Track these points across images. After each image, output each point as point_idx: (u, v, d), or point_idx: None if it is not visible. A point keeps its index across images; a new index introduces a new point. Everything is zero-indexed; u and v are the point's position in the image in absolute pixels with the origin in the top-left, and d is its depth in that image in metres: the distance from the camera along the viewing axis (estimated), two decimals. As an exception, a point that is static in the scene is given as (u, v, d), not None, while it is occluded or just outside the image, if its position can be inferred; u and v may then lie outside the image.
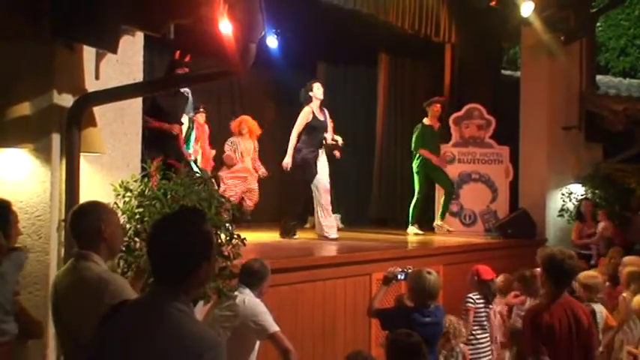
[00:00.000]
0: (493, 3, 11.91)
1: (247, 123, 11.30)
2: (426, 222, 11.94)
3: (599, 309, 6.80)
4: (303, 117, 9.74)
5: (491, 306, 7.26)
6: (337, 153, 11.42)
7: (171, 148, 8.29)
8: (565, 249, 5.52)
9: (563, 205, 11.96)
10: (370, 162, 13.69)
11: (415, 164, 11.53)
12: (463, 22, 12.89)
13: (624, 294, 7.32)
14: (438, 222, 11.80)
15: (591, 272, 7.46)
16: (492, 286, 7.32)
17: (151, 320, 2.54)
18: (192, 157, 9.55)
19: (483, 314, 7.13)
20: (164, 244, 2.62)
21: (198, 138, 10.02)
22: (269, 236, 9.94)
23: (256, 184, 11.31)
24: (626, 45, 19.18)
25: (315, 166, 9.83)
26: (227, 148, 11.17)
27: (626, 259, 8.07)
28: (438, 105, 11.71)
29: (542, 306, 5.11)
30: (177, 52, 8.44)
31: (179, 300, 2.57)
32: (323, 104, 9.99)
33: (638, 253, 9.07)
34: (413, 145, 11.57)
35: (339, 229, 11.09)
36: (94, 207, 3.81)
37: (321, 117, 9.90)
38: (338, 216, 11.99)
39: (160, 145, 7.98)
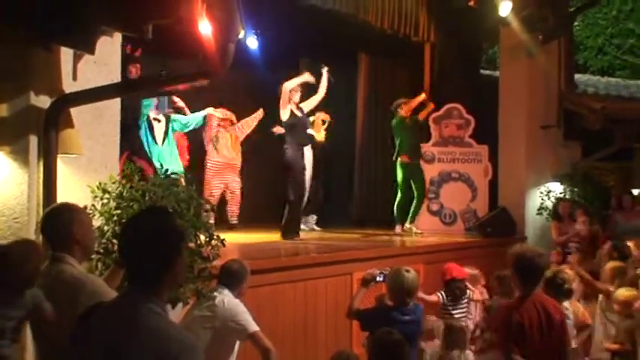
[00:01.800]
0: (472, 3, 11.96)
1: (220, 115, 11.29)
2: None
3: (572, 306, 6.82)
4: (299, 79, 10.00)
5: (463, 304, 7.35)
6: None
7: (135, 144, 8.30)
8: (534, 247, 5.56)
9: (542, 204, 12.00)
10: (350, 162, 13.70)
11: (399, 163, 11.45)
12: (442, 22, 12.93)
13: (610, 287, 7.37)
14: (407, 225, 11.74)
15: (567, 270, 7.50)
16: (462, 285, 7.45)
17: (127, 323, 2.53)
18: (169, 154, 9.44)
19: (452, 313, 7.26)
20: (136, 245, 2.62)
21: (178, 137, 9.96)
22: (249, 237, 9.92)
23: (238, 178, 11.30)
24: (603, 44, 19.31)
25: (303, 163, 9.93)
26: (207, 138, 11.13)
27: None
28: (415, 103, 11.63)
29: (512, 305, 5.13)
30: (129, 47, 8.35)
31: (153, 302, 2.57)
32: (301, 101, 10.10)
33: (617, 250, 9.13)
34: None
35: (314, 232, 11.18)
36: (65, 209, 3.82)
37: (298, 113, 9.95)
38: (314, 217, 12.01)
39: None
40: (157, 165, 8.36)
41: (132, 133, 8.20)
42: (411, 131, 11.48)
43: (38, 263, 3.65)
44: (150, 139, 9.01)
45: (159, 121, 9.24)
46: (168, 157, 9.18)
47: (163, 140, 9.25)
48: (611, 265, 7.70)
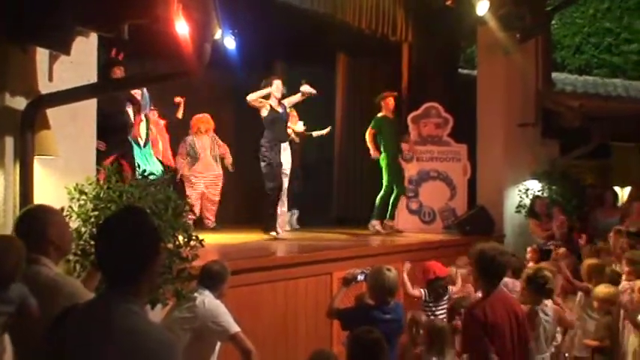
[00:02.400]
0: (449, 2, 11.97)
1: (202, 121, 11.32)
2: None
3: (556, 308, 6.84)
4: (262, 91, 9.91)
5: (444, 301, 7.36)
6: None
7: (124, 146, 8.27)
8: (497, 245, 5.54)
9: (521, 202, 12.06)
10: (330, 162, 13.71)
11: (382, 158, 11.42)
12: (419, 22, 12.95)
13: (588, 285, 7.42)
14: (387, 222, 11.76)
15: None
16: (444, 283, 7.46)
17: (105, 323, 2.51)
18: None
19: (434, 310, 7.27)
20: (112, 245, 2.60)
21: (158, 133, 9.94)
22: (229, 237, 9.90)
23: (219, 182, 11.32)
24: (581, 42, 19.39)
25: (279, 158, 9.94)
26: (182, 149, 11.16)
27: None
28: (391, 98, 11.64)
29: (480, 303, 5.10)
30: (114, 50, 8.32)
31: (131, 302, 2.56)
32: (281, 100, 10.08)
33: (597, 249, 9.20)
34: (371, 136, 11.38)
35: (294, 230, 11.17)
36: (40, 210, 3.82)
37: (279, 109, 9.93)
38: (296, 212, 12.02)
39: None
40: (140, 166, 8.36)
41: (120, 136, 8.16)
42: (391, 130, 11.51)
43: (19, 259, 3.62)
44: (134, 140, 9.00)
45: (142, 120, 9.23)
46: (149, 157, 9.18)
47: (145, 142, 9.24)
48: (588, 262, 7.76)
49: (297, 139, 11.67)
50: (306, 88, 10.28)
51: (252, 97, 9.79)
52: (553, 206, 11.45)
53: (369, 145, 11.22)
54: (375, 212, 11.45)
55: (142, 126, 9.28)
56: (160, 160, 9.72)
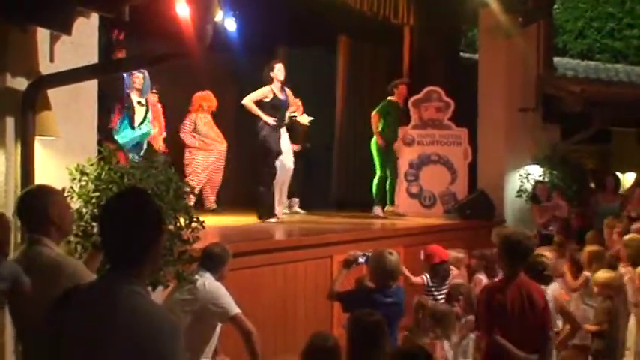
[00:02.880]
0: (451, -15, 11.94)
1: (204, 98, 11.32)
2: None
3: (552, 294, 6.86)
4: (260, 92, 9.73)
5: (445, 286, 7.34)
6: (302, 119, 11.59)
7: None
8: (521, 230, 5.59)
9: (521, 186, 12.06)
10: (330, 145, 13.68)
11: (373, 143, 11.48)
12: (421, 5, 12.90)
13: (585, 272, 7.43)
14: (388, 208, 11.81)
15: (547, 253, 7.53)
16: (447, 267, 7.44)
17: (108, 304, 2.50)
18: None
19: (435, 294, 7.25)
20: (115, 227, 2.59)
21: (155, 118, 9.90)
22: (230, 220, 9.90)
23: (223, 158, 11.43)
24: (583, 27, 19.31)
25: (279, 145, 9.83)
26: (184, 129, 11.15)
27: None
28: (404, 86, 11.71)
29: (496, 285, 5.17)
30: (116, 31, 8.29)
31: (135, 283, 2.55)
32: (284, 85, 9.98)
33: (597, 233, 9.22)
34: (375, 120, 11.48)
35: (294, 214, 11.21)
36: (42, 191, 3.81)
37: (281, 96, 9.86)
38: (296, 200, 12.01)
39: None
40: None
41: (104, 120, 8.14)
42: (396, 116, 11.60)
43: (3, 234, 3.62)
44: (127, 122, 8.94)
45: (142, 104, 9.19)
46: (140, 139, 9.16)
47: (140, 123, 9.20)
48: (588, 249, 7.76)
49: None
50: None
51: (248, 100, 9.71)
52: (553, 190, 11.45)
53: (375, 131, 11.36)
54: (375, 199, 11.50)
55: (141, 109, 9.21)
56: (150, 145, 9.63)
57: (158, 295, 5.23)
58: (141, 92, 9.16)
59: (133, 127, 8.97)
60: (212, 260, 5.51)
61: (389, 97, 11.62)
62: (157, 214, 2.69)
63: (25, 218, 3.75)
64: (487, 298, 5.04)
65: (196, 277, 5.34)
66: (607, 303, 6.81)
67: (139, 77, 9.02)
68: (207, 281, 5.35)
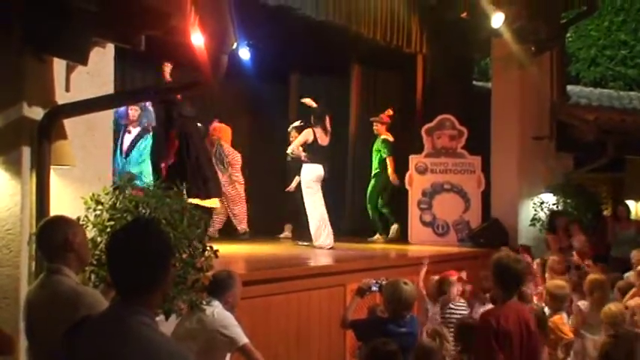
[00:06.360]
0: (464, 14, 11.95)
1: (223, 131, 11.42)
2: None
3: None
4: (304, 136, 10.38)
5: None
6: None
7: None
8: (511, 253, 5.58)
9: (535, 215, 12.02)
10: (343, 173, 13.69)
11: (376, 174, 12.03)
12: (434, 34, 12.92)
13: (580, 303, 7.33)
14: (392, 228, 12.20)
15: (559, 282, 7.45)
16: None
17: (116, 334, 2.52)
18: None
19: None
20: (123, 258, 2.60)
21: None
22: (246, 248, 9.92)
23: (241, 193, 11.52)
24: (596, 55, 19.37)
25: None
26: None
27: None
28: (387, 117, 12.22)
29: (495, 311, 5.12)
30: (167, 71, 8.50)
31: (143, 313, 2.56)
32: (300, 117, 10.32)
33: (613, 260, 9.11)
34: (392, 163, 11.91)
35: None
36: (60, 220, 3.84)
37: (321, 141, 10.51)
38: (289, 226, 12.22)
39: None
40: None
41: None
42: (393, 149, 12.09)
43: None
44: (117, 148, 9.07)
45: (129, 132, 9.31)
46: (134, 166, 9.23)
47: (128, 152, 9.29)
48: (591, 277, 7.58)
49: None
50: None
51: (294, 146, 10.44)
52: (572, 222, 11.37)
53: (393, 173, 11.90)
54: (378, 228, 11.98)
55: (129, 137, 9.38)
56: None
57: (171, 324, 5.22)
58: (139, 122, 9.34)
59: (121, 154, 9.14)
60: (217, 286, 5.49)
61: (384, 137, 12.07)
62: (165, 244, 2.69)
63: (44, 247, 3.77)
64: (489, 324, 4.91)
65: (206, 306, 5.33)
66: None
67: (136, 110, 9.24)
68: (216, 310, 5.32)
